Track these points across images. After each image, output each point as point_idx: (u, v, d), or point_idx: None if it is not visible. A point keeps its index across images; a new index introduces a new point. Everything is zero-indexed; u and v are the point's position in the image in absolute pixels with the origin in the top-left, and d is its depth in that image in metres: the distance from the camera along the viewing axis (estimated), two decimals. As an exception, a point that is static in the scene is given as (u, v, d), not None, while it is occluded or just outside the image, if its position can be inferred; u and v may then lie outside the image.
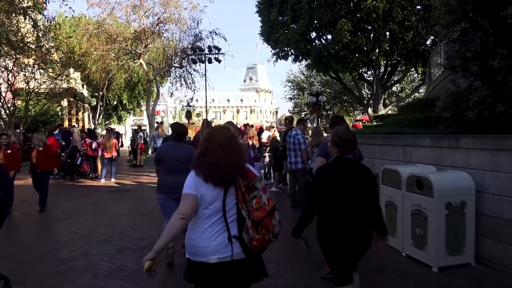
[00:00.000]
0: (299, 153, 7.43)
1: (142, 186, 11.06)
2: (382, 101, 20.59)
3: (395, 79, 22.98)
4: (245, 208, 2.21)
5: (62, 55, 21.92)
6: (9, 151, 7.49)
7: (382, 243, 2.92)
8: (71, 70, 26.11)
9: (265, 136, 11.13)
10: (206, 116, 27.58)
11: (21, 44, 13.69)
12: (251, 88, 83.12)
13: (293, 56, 19.69)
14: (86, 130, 14.62)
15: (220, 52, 21.00)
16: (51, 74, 19.79)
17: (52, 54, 16.60)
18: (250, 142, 9.09)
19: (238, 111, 77.37)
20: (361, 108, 43.96)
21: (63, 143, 15.87)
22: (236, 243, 2.22)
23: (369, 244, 2.85)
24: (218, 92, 63.76)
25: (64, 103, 25.07)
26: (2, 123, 16.77)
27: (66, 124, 25.09)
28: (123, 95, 35.10)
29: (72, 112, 27.82)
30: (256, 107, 79.70)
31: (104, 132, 29.66)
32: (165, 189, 4.50)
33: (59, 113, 23.94)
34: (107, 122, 42.45)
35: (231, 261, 2.21)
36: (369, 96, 22.17)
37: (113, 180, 12.10)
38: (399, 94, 33.76)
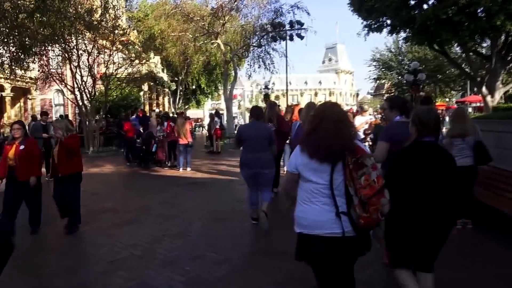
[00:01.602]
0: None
1: (220, 178, 9.69)
2: (500, 78, 16.84)
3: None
4: (352, 186, 2.17)
5: (140, 37, 21.70)
6: (22, 147, 5.15)
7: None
8: (151, 54, 26.19)
9: (357, 122, 8.88)
10: (287, 98, 25.81)
11: (96, 23, 13.09)
12: (330, 70, 79.18)
13: (389, 27, 16.84)
14: (161, 114, 13.65)
15: (303, 27, 18.92)
16: (131, 57, 19.52)
17: (129, 35, 15.97)
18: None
19: (316, 94, 74.29)
20: (462, 88, 38.90)
21: (141, 129, 15.32)
22: (346, 220, 2.19)
23: (442, 239, 2.65)
24: (295, 74, 61.43)
25: (145, 87, 25.08)
26: (83, 109, 16.74)
27: (146, 109, 25.19)
28: (201, 79, 34.83)
29: (152, 97, 27.94)
30: (336, 89, 75.81)
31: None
32: (248, 164, 5.17)
33: (140, 97, 23.93)
34: (186, 107, 42.94)
35: (342, 237, 2.18)
36: (483, 72, 18.44)
37: (189, 169, 10.96)
38: None
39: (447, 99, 47.13)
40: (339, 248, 2.21)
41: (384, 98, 60.59)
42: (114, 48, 16.98)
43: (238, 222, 5.68)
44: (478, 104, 29.91)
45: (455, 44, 20.48)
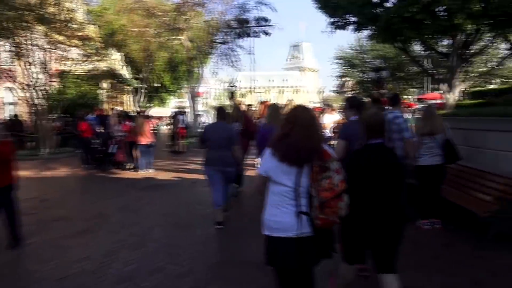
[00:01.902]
0: (399, 145, 5.18)
1: (183, 180, 9.25)
2: (459, 76, 17.36)
3: (472, 51, 19.41)
4: (314, 187, 2.25)
5: (98, 32, 20.66)
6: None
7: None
8: (112, 50, 25.09)
9: (327, 120, 8.73)
10: (252, 96, 25.55)
11: (48, 16, 12.18)
12: (295, 67, 79.82)
13: (354, 25, 16.92)
14: (121, 113, 12.95)
15: (269, 24, 18.70)
16: (89, 53, 18.53)
17: (85, 29, 15.04)
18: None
19: (281, 92, 74.70)
20: (421, 85, 40.20)
21: (101, 129, 14.53)
22: (306, 221, 2.27)
23: (396, 237, 2.71)
24: (260, 72, 61.54)
25: (105, 85, 24.02)
26: (38, 108, 15.67)
27: (107, 107, 24.11)
28: (165, 76, 33.91)
29: (113, 95, 26.83)
30: (301, 87, 76.52)
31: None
32: (211, 161, 5.30)
33: (100, 95, 22.86)
34: (149, 105, 41.71)
35: (300, 238, 2.26)
36: (444, 70, 18.99)
37: (150, 170, 10.44)
38: (478, 69, 29.70)
39: (407, 96, 48.66)
40: (304, 247, 2.28)
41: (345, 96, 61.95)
42: (69, 43, 16.02)
43: (202, 229, 5.33)
44: (436, 101, 30.99)
45: (417, 43, 21.02)
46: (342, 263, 2.87)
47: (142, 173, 10.22)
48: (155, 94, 39.63)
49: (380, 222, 2.68)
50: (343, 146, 3.78)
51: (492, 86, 29.57)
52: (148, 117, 12.36)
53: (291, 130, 2.33)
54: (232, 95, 32.02)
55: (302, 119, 2.36)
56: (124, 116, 11.53)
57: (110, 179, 9.67)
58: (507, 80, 31.52)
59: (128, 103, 33.49)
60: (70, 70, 16.08)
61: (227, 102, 47.39)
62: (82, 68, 18.19)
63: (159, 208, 6.50)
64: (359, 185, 2.67)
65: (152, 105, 41.75)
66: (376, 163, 2.72)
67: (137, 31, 18.61)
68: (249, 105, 10.87)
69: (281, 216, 2.30)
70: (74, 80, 19.16)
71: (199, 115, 27.37)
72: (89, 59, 18.25)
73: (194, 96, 20.13)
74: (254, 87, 26.38)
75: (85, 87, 19.66)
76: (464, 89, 18.49)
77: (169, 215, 6.06)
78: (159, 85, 36.56)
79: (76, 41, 14.98)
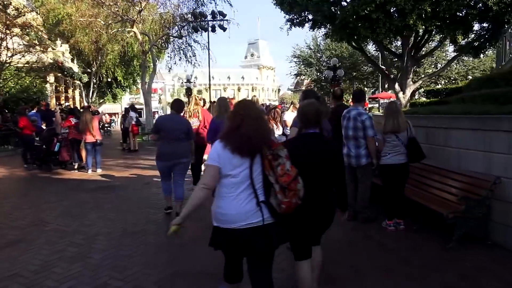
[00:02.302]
0: (363, 142, 5.00)
1: (134, 180, 8.63)
2: (411, 76, 17.91)
3: (423, 52, 20.09)
4: (273, 175, 2.31)
5: (40, 19, 19.20)
6: None
7: (341, 217, 2.98)
8: (58, 41, 23.47)
9: (289, 117, 8.47)
10: (209, 92, 25.00)
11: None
12: (252, 65, 79.66)
13: (311, 22, 16.90)
14: (65, 109, 11.94)
15: (225, 18, 18.23)
16: (31, 43, 17.12)
17: (24, 16, 13.77)
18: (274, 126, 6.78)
19: (239, 89, 74.30)
20: (373, 85, 41.45)
21: (43, 125, 13.43)
22: (265, 209, 2.33)
23: (330, 219, 2.83)
24: (218, 69, 60.67)
25: (51, 79, 22.41)
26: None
27: (53, 102, 22.51)
28: (117, 71, 32.38)
29: (60, 89, 25.12)
30: (258, 85, 76.55)
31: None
32: (165, 156, 5.30)
33: (44, 90, 21.27)
34: (101, 101, 39.75)
35: (262, 226, 2.32)
36: (395, 70, 19.50)
37: (99, 171, 9.69)
38: (427, 70, 31.07)
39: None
40: (258, 235, 2.32)
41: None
42: (8, 32, 14.66)
43: (154, 236, 4.85)
44: (388, 100, 32.03)
45: (371, 43, 21.47)
46: (297, 264, 2.85)
47: (90, 174, 9.47)
48: (108, 89, 37.84)
49: (316, 210, 2.73)
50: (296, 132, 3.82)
51: (438, 86, 31.06)
52: (96, 113, 11.47)
53: (241, 122, 2.38)
54: (189, 91, 31.32)
55: (251, 112, 2.44)
56: (68, 112, 10.61)
57: (53, 181, 8.84)
58: (454, 80, 33.24)
59: (77, 98, 31.73)
60: (7, 61, 14.65)
61: (184, 98, 46.38)
62: (20, 59, 16.76)
63: (106, 213, 5.90)
64: None
65: (104, 100, 39.87)
66: (312, 151, 2.75)
67: (85, 21, 17.39)
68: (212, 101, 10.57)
69: (230, 208, 2.34)
70: (14, 72, 17.66)
71: (155, 111, 26.27)
72: (30, 49, 16.89)
73: (148, 91, 19.18)
74: (211, 84, 25.53)
75: (26, 80, 18.16)
76: (415, 88, 19.09)
77: (117, 221, 5.50)
78: (111, 80, 34.94)
79: (15, 29, 13.68)
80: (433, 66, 35.20)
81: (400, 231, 4.78)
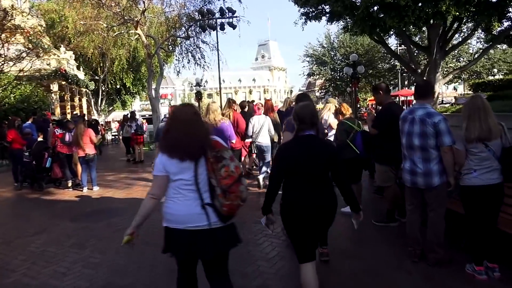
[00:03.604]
0: (435, 155, 3.55)
1: (134, 201, 7.28)
2: (439, 70, 16.28)
3: (451, 44, 18.39)
4: (214, 177, 2.33)
5: (43, 26, 18.20)
6: None
7: (355, 220, 2.92)
8: (62, 49, 22.51)
9: (331, 118, 6.93)
10: (221, 97, 23.76)
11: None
12: (263, 67, 78.35)
13: (328, 15, 15.46)
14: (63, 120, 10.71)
15: (235, 15, 16.92)
16: (33, 50, 16.07)
17: (27, 22, 12.65)
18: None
19: (250, 91, 73.02)
20: (391, 82, 39.64)
21: (40, 137, 12.27)
22: (212, 212, 2.34)
23: (330, 221, 2.84)
24: (228, 72, 59.52)
25: (55, 87, 21.43)
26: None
27: (57, 111, 21.51)
28: (125, 77, 31.44)
29: (66, 98, 24.13)
30: (270, 87, 75.17)
31: (99, 120, 25.80)
32: None
33: (47, 99, 20.26)
34: (110, 108, 38.90)
35: (209, 229, 2.33)
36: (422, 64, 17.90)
37: (95, 189, 8.45)
38: (449, 64, 29.29)
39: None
40: (206, 239, 2.33)
41: (318, 94, 60.53)
42: (9, 40, 13.68)
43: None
44: (409, 98, 30.25)
45: (393, 36, 19.89)
46: (301, 267, 2.79)
47: (85, 193, 8.23)
48: (117, 96, 36.97)
49: (315, 212, 2.71)
50: (290, 137, 3.62)
51: (490, 78, 29.03)
52: (96, 123, 10.23)
53: (170, 126, 2.46)
54: (199, 96, 30.16)
55: (179, 115, 2.46)
56: (58, 123, 9.40)
57: (40, 204, 7.58)
58: (478, 74, 31.38)
59: (88, 107, 30.85)
60: (5, 70, 13.61)
61: (194, 103, 45.32)
62: (18, 66, 15.76)
63: (89, 254, 4.57)
64: (291, 177, 2.76)
65: (112, 108, 39.04)
66: (309, 153, 2.72)
67: (85, 24, 16.27)
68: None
69: (178, 209, 2.37)
70: (14, 81, 16.66)
71: (163, 119, 25.13)
72: (29, 55, 15.87)
73: (156, 97, 17.98)
74: (222, 88, 24.33)
75: (26, 88, 17.14)
76: (448, 82, 17.42)
77: (100, 267, 4.15)
78: (120, 87, 34.04)
79: (18, 37, 12.61)
80: (454, 60, 33.36)
81: (495, 281, 3.34)
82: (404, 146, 3.78)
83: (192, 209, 2.33)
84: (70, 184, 8.80)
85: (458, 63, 31.33)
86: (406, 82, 35.16)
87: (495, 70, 32.66)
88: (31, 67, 15.34)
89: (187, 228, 2.33)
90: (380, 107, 4.84)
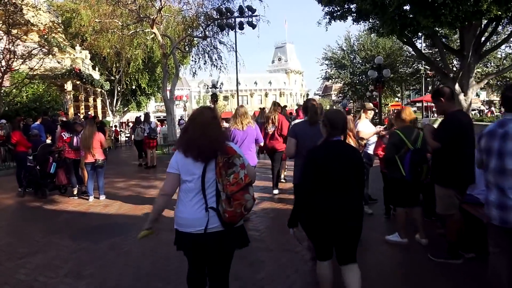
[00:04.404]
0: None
1: (144, 218, 6.51)
2: (473, 75, 15.15)
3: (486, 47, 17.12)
4: (221, 183, 2.34)
5: (59, 24, 17.74)
6: None
7: None
8: (78, 48, 22.12)
9: (365, 128, 6.06)
10: (238, 99, 23.01)
11: None
12: (280, 70, 77.45)
13: (354, 15, 14.53)
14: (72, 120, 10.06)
15: (255, 14, 16.14)
16: (48, 49, 15.62)
17: (20, 11, 12.09)
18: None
19: (266, 95, 72.15)
20: (414, 87, 38.28)
21: (48, 139, 11.72)
22: (214, 216, 2.36)
23: (357, 228, 2.80)
24: (244, 74, 58.70)
25: (68, 86, 21.00)
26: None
27: (71, 112, 21.07)
28: (141, 77, 31.01)
29: (80, 98, 23.72)
30: (286, 90, 74.17)
31: (114, 121, 25.32)
32: None
33: (59, 98, 19.82)
34: (125, 109, 38.56)
35: (211, 232, 2.36)
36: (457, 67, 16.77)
37: (102, 198, 7.72)
38: (486, 66, 27.95)
39: (397, 99, 46.74)
40: (209, 241, 2.37)
41: (334, 99, 59.31)
42: (26, 38, 13.23)
43: None
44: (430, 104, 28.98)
45: (421, 39, 18.81)
46: (317, 262, 2.89)
47: (91, 202, 7.51)
48: (132, 97, 36.60)
49: (343, 218, 2.70)
50: (293, 142, 4.02)
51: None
52: (103, 124, 9.53)
53: (188, 127, 2.56)
54: (215, 98, 29.51)
55: (198, 117, 2.54)
56: (63, 124, 8.72)
57: (40, 215, 6.86)
58: (509, 79, 29.86)
59: (103, 107, 30.53)
60: (15, 67, 13.11)
61: (209, 105, 44.77)
62: (35, 66, 15.33)
63: (102, 279, 3.79)
64: (319, 182, 2.72)
65: (127, 109, 38.71)
66: (339, 158, 2.74)
67: (100, 22, 15.70)
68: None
69: (188, 213, 2.41)
70: (28, 80, 16.23)
71: (180, 119, 24.37)
72: (45, 55, 15.43)
73: (170, 98, 17.32)
74: (238, 90, 23.54)
75: (39, 87, 16.68)
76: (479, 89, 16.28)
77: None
78: (136, 87, 33.64)
79: (18, 32, 12.09)
80: (481, 65, 31.90)
81: None
82: (491, 170, 2.86)
83: (198, 213, 2.38)
84: (75, 192, 8.09)
85: (486, 68, 29.88)
86: (430, 88, 33.81)
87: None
88: (41, 65, 14.83)
89: (193, 232, 2.39)
90: (443, 116, 3.92)
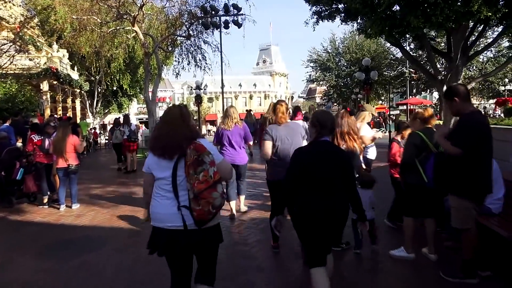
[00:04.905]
0: None
1: (119, 227, 5.87)
2: (461, 77, 14.99)
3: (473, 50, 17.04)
4: (189, 182, 2.32)
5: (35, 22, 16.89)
6: None
7: (361, 228, 3.20)
8: (55, 46, 21.21)
9: (366, 133, 5.62)
10: (223, 100, 22.45)
11: None
12: (264, 72, 76.98)
13: (342, 14, 14.18)
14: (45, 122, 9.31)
15: (240, 13, 15.62)
16: (23, 47, 14.76)
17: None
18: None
19: (251, 97, 71.57)
20: (397, 90, 38.43)
21: (19, 142, 10.90)
22: (187, 214, 2.34)
23: (342, 225, 2.84)
24: (229, 76, 58.10)
25: (45, 86, 20.03)
26: None
27: (47, 113, 20.10)
28: (122, 78, 30.13)
29: (57, 99, 22.73)
30: (271, 92, 73.73)
31: (94, 123, 24.46)
32: None
33: (37, 99, 18.85)
34: (106, 111, 37.44)
35: (184, 230, 2.35)
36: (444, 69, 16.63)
37: (74, 206, 7.06)
38: (469, 70, 28.10)
39: (381, 102, 46.93)
40: (182, 239, 2.36)
41: (319, 102, 59.36)
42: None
43: None
44: (418, 107, 29.04)
45: (408, 40, 18.64)
46: (311, 270, 2.81)
47: (61, 212, 6.84)
48: (113, 99, 35.56)
49: (336, 216, 2.73)
50: (269, 146, 4.10)
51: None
52: (75, 126, 8.82)
53: (157, 126, 2.61)
54: (199, 99, 28.85)
55: (166, 115, 2.59)
56: (33, 127, 8.02)
57: (4, 227, 6.13)
58: (491, 84, 30.23)
59: (83, 108, 29.50)
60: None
61: (193, 107, 44.02)
62: (9, 64, 14.47)
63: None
64: (304, 181, 2.74)
65: (108, 110, 37.60)
66: (327, 158, 2.77)
67: (79, 18, 14.90)
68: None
69: (160, 208, 2.44)
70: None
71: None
72: (19, 53, 14.59)
73: (152, 100, 16.60)
74: (223, 91, 22.93)
75: (12, 87, 15.75)
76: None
77: None
78: (117, 88, 32.68)
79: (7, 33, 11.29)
80: (465, 68, 32.23)
81: None
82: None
83: (169, 209, 2.38)
84: (45, 200, 7.40)
85: (469, 72, 30.13)
86: (414, 90, 33.96)
87: (507, 80, 31.53)
88: (11, 62, 13.98)
89: (165, 227, 2.39)
90: (458, 118, 3.47)
